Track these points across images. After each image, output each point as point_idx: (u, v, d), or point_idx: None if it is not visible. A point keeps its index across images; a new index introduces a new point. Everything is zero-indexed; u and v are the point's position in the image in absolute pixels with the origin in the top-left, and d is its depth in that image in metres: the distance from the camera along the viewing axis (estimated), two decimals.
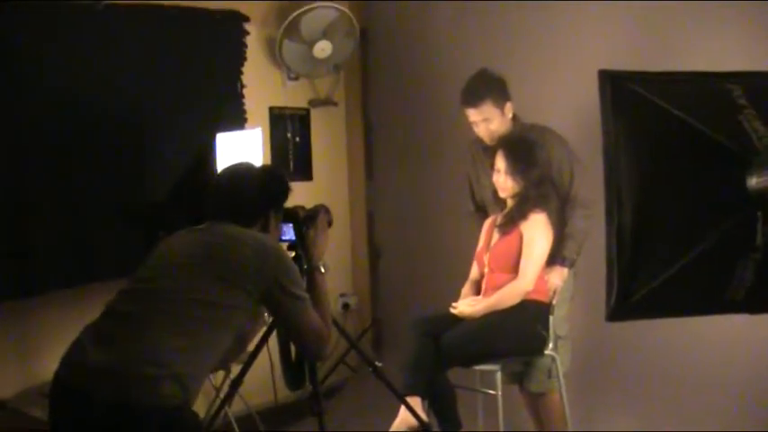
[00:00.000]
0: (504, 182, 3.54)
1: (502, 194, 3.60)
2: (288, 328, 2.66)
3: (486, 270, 3.66)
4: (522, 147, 3.53)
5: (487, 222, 3.77)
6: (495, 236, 3.65)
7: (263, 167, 2.87)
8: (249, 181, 2.65)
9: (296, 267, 2.57)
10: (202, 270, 2.40)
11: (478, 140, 3.75)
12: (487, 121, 3.62)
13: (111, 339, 2.25)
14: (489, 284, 3.61)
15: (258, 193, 2.63)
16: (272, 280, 2.41)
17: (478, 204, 3.93)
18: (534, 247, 3.48)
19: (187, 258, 2.45)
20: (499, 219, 3.66)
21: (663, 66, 1.71)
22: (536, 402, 3.72)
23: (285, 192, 2.73)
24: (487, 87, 3.61)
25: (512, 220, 3.55)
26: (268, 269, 2.41)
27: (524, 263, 3.48)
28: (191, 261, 2.43)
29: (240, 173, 2.70)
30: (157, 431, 2.16)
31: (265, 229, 2.62)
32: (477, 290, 3.71)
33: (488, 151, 3.68)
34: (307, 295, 2.51)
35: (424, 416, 3.27)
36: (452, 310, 3.57)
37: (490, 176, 3.64)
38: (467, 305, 3.57)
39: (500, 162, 3.53)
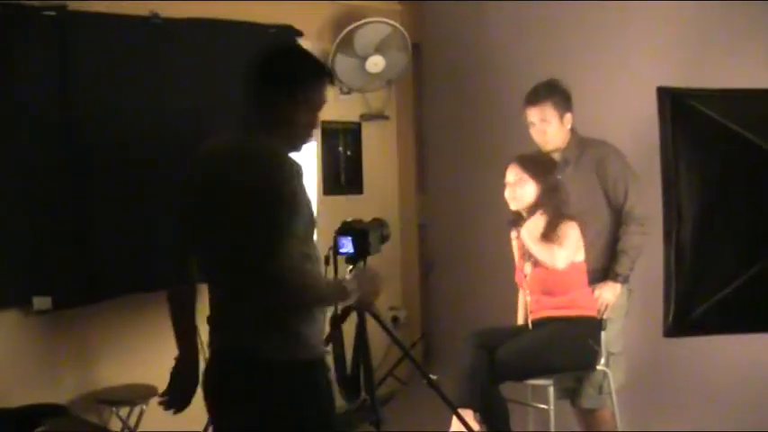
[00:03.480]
0: (511, 192, 3.56)
1: (512, 206, 3.59)
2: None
3: (527, 293, 3.65)
4: (531, 159, 3.58)
5: (514, 239, 3.71)
6: (529, 264, 3.61)
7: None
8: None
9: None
10: None
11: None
12: (545, 123, 3.63)
13: None
14: (536, 307, 3.59)
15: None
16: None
17: None
18: (566, 239, 3.43)
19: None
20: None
21: (722, 83, 1.71)
22: (588, 418, 3.70)
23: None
24: (551, 91, 3.65)
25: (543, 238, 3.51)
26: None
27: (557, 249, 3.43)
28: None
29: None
30: None
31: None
32: None
33: None
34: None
35: (476, 428, 3.28)
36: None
37: None
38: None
39: (509, 175, 3.56)
